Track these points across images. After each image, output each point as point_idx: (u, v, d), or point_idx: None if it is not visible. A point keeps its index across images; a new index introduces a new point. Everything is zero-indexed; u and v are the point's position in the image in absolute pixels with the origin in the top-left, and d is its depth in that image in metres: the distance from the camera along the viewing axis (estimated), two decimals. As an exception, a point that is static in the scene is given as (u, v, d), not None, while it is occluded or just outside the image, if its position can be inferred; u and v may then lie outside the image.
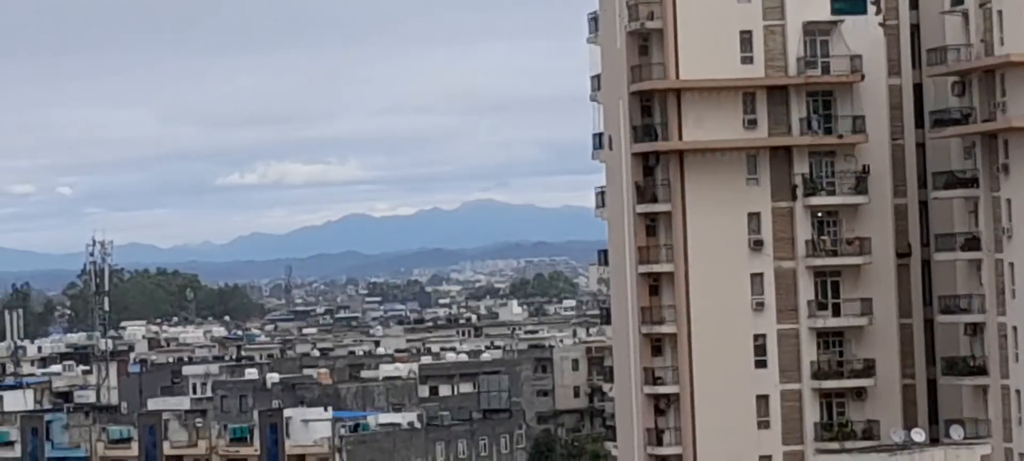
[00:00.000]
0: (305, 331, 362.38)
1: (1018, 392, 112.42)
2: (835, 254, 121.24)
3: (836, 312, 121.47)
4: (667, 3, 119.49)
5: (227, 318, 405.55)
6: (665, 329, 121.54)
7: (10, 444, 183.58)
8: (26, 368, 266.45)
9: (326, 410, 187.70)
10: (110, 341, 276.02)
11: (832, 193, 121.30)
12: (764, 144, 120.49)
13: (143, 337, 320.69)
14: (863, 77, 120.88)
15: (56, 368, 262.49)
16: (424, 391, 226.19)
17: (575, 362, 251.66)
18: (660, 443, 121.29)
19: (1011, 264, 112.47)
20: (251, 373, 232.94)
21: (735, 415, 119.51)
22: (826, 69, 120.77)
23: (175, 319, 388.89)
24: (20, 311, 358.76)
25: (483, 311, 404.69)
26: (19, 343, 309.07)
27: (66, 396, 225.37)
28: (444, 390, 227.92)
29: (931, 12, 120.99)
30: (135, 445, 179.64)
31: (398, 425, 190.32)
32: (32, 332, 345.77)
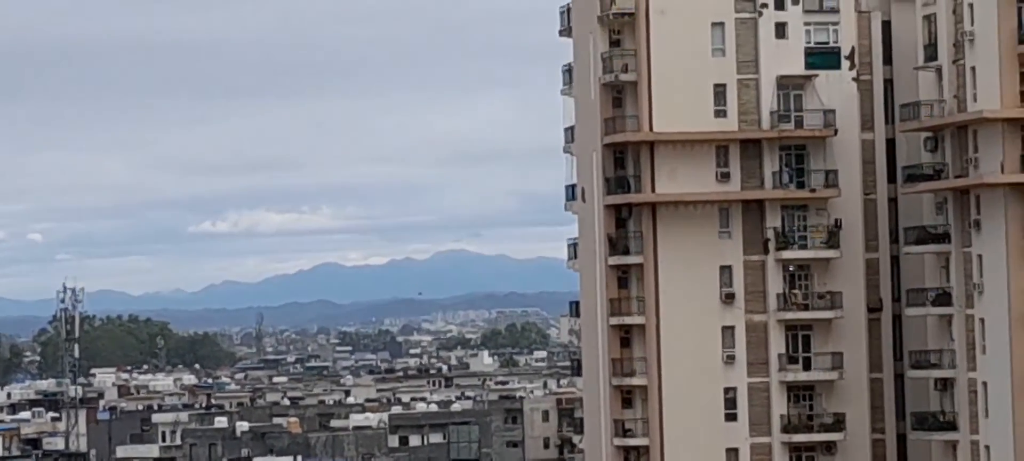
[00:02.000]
0: (275, 380, 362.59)
1: (987, 448, 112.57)
2: (806, 308, 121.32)
3: (806, 366, 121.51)
4: (641, 56, 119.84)
5: (197, 366, 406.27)
6: (636, 381, 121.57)
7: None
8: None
9: (296, 459, 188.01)
10: (80, 388, 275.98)
11: (804, 247, 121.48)
12: (737, 197, 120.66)
13: (113, 384, 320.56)
14: (836, 132, 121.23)
15: (25, 415, 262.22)
16: (394, 441, 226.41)
17: (545, 413, 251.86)
18: None
19: (982, 320, 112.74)
20: (221, 421, 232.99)
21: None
22: (799, 123, 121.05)
23: (145, 367, 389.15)
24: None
25: (454, 361, 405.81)
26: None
27: (35, 443, 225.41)
28: (414, 440, 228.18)
29: (905, 68, 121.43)
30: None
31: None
32: (1, 379, 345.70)
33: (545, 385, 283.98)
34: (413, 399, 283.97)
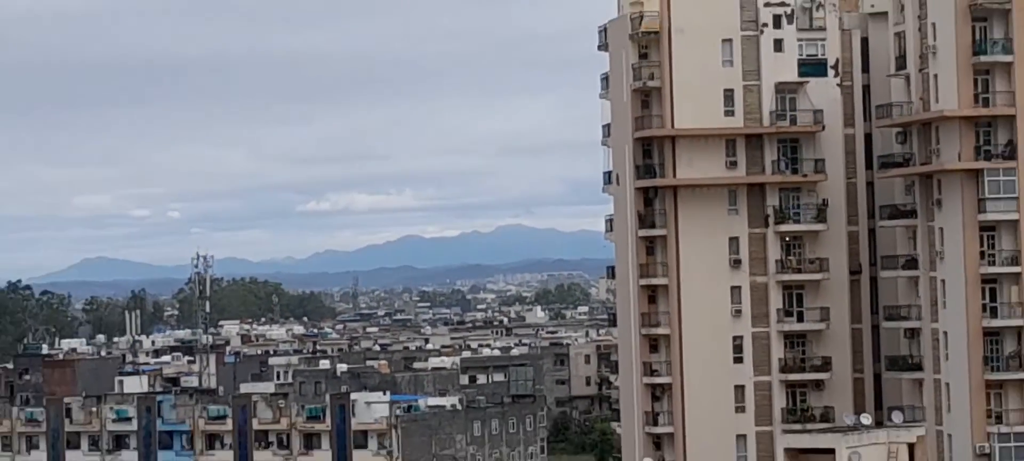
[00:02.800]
0: (368, 330, 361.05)
1: (947, 385, 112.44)
2: (799, 271, 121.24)
3: (800, 318, 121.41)
4: (664, 66, 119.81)
5: (305, 319, 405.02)
6: (660, 331, 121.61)
7: (128, 419, 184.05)
8: (142, 358, 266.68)
9: (385, 394, 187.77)
10: (210, 337, 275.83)
11: (797, 221, 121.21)
12: (742, 181, 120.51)
13: (237, 334, 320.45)
14: (823, 127, 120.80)
15: (166, 358, 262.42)
16: (464, 380, 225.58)
17: (587, 357, 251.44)
18: (656, 424, 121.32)
19: (943, 280, 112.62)
20: (324, 364, 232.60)
21: (717, 402, 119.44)
22: (793, 121, 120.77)
23: (263, 319, 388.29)
24: (137, 312, 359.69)
25: (512, 315, 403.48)
26: (136, 338, 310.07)
27: (174, 381, 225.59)
28: (481, 379, 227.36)
29: (879, 75, 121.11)
30: (229, 421, 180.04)
31: (443, 407, 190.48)
32: (147, 329, 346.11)
33: (587, 334, 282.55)
34: (480, 345, 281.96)
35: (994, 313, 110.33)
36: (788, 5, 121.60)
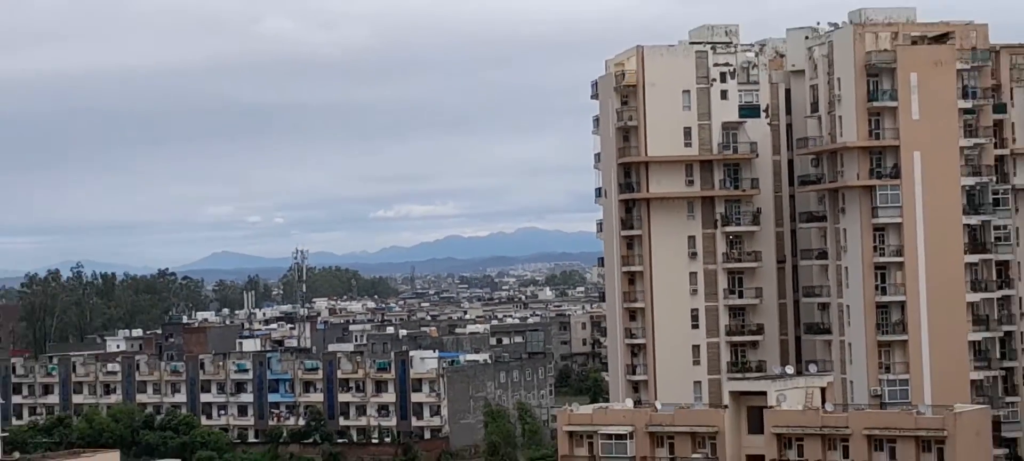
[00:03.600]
0: (422, 305, 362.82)
1: (850, 344, 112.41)
2: (740, 261, 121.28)
3: (740, 296, 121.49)
4: (640, 110, 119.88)
5: (375, 297, 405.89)
6: (638, 305, 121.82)
7: (246, 371, 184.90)
8: (256, 326, 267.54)
9: (434, 352, 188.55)
10: (306, 310, 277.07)
11: (738, 224, 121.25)
12: (697, 195, 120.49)
13: (325, 308, 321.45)
14: (757, 155, 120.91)
15: (273, 326, 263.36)
16: (492, 341, 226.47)
17: (584, 324, 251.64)
18: (634, 373, 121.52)
19: (846, 267, 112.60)
20: (389, 329, 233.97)
21: (679, 357, 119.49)
22: (735, 150, 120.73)
23: (345, 297, 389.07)
24: (252, 292, 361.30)
25: (528, 294, 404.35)
26: (252, 311, 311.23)
27: (279, 342, 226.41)
28: (505, 341, 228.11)
29: (799, 116, 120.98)
30: (320, 372, 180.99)
31: (477, 361, 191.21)
32: (259, 305, 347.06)
33: (583, 308, 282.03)
34: (504, 316, 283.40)
35: (883, 292, 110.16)
36: (731, 65, 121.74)
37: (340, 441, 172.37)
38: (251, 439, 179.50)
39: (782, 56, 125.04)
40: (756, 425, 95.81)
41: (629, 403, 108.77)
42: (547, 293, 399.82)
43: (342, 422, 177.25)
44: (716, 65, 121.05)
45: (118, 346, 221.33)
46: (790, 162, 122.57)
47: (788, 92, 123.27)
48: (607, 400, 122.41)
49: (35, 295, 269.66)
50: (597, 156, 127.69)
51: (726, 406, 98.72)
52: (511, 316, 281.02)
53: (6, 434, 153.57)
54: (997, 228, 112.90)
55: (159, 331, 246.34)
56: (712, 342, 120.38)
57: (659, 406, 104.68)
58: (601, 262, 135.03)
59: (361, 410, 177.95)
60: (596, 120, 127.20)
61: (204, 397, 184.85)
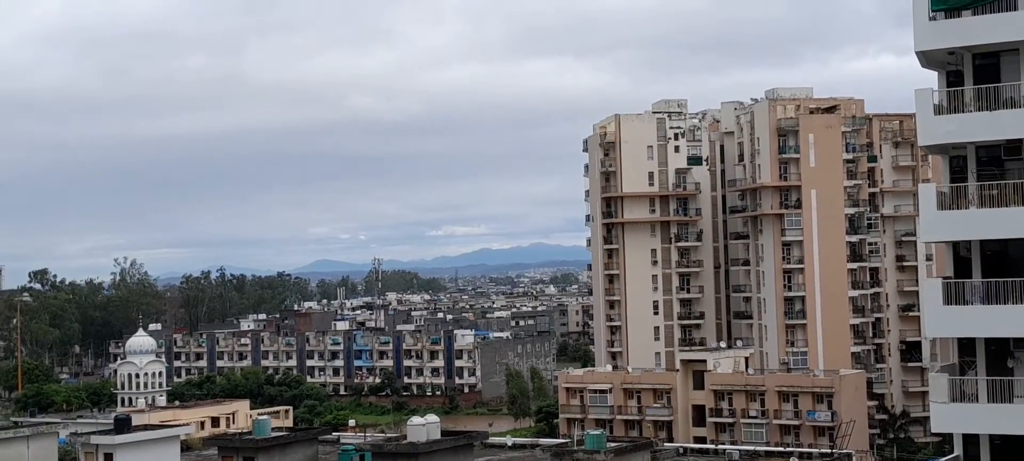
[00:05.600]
0: (463, 298, 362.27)
1: (765, 326, 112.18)
2: (688, 267, 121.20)
3: (688, 292, 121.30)
4: (617, 160, 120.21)
5: (430, 292, 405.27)
6: (615, 298, 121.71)
7: (338, 344, 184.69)
8: (346, 312, 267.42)
9: (471, 331, 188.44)
10: (381, 300, 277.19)
11: (687, 241, 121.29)
12: (658, 220, 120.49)
13: (394, 299, 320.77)
14: (700, 191, 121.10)
15: (358, 312, 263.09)
16: (513, 323, 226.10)
17: (577, 311, 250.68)
18: (613, 346, 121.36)
19: (763, 272, 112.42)
20: (440, 315, 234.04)
21: (645, 335, 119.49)
22: (684, 188, 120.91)
23: (408, 292, 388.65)
24: (343, 288, 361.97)
25: (538, 290, 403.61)
26: (343, 301, 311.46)
27: (362, 323, 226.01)
28: (521, 323, 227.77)
29: (730, 164, 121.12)
30: (391, 345, 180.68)
31: (502, 337, 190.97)
32: (348, 297, 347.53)
33: (577, 300, 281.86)
34: (521, 305, 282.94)
35: (789, 289, 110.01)
36: (681, 128, 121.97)
37: (404, 394, 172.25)
38: (341, 392, 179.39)
39: (718, 121, 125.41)
40: (699, 383, 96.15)
41: (609, 368, 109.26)
42: (551, 289, 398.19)
43: (406, 380, 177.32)
44: (671, 128, 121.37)
45: (248, 326, 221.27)
46: (724, 197, 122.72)
47: (722, 147, 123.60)
48: (594, 365, 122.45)
49: (190, 289, 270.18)
50: (586, 192, 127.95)
51: (678, 370, 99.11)
52: (526, 306, 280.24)
53: (170, 388, 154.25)
54: (870, 244, 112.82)
55: (277, 315, 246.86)
56: (668, 324, 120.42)
57: (630, 370, 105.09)
58: (590, 267, 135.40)
59: (419, 372, 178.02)
60: (585, 167, 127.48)
61: (309, 362, 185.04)
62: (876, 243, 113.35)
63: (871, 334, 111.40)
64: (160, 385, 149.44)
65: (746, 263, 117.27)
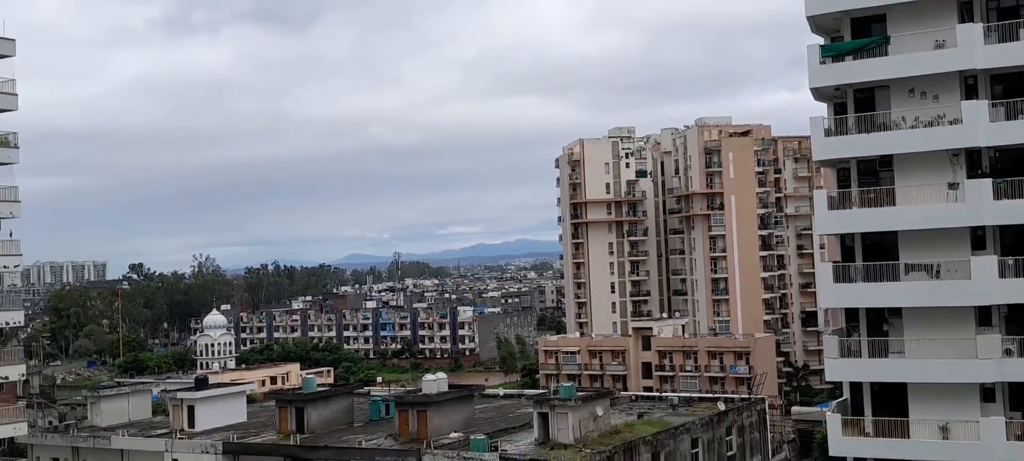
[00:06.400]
0: (463, 282, 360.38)
1: (697, 301, 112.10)
2: (637, 256, 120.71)
3: (637, 275, 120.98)
4: (582, 173, 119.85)
5: (437, 278, 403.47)
6: (582, 281, 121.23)
7: (368, 319, 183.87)
8: (373, 294, 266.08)
9: (471, 308, 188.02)
10: (401, 284, 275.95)
11: (636, 236, 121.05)
12: (613, 220, 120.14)
13: (411, 284, 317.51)
14: (646, 198, 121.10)
15: (383, 294, 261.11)
16: (503, 301, 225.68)
17: (553, 291, 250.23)
18: (580, 318, 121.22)
19: (695, 259, 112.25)
20: (447, 295, 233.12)
21: (605, 309, 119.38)
22: (634, 195, 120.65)
23: (421, 278, 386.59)
24: (371, 276, 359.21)
25: (522, 275, 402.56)
26: (371, 287, 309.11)
27: (386, 303, 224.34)
28: (510, 301, 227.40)
29: (668, 176, 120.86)
30: (409, 319, 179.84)
31: (495, 312, 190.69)
32: (375, 283, 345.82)
33: (553, 283, 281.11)
34: (509, 287, 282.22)
35: (715, 272, 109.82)
36: (631, 149, 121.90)
37: (419, 356, 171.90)
38: (370, 356, 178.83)
39: (659, 143, 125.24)
40: (647, 346, 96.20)
41: (577, 334, 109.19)
42: (532, 275, 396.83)
43: (420, 346, 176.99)
44: (623, 149, 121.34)
45: (298, 306, 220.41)
46: (664, 201, 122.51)
47: (662, 163, 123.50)
48: (566, 333, 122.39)
49: (252, 278, 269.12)
50: (558, 199, 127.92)
51: (630, 336, 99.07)
52: (512, 287, 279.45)
53: (237, 355, 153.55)
54: (777, 236, 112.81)
55: (320, 297, 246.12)
56: (622, 301, 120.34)
57: (594, 336, 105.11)
58: (562, 257, 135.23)
59: (430, 339, 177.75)
60: (557, 180, 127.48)
61: (345, 333, 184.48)
62: (782, 236, 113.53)
63: (778, 306, 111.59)
64: (230, 352, 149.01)
65: (682, 252, 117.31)
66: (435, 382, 48.80)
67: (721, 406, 49.35)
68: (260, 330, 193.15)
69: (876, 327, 32.97)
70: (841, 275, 32.65)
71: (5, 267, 45.48)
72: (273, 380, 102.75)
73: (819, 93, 33.80)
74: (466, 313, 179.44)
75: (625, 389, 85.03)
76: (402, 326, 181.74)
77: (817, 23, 33.88)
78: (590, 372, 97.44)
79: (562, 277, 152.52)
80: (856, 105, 33.03)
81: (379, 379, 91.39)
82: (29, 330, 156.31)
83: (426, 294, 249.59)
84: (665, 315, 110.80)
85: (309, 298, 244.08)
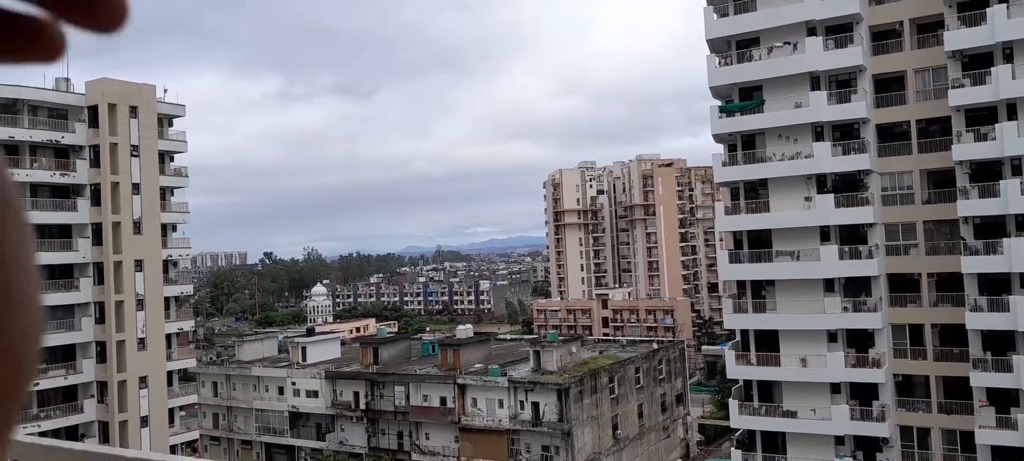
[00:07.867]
0: (482, 265, 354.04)
1: (638, 277, 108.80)
2: (598, 247, 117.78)
3: (598, 260, 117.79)
4: (562, 192, 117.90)
5: (465, 261, 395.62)
6: (562, 263, 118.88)
7: (420, 290, 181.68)
8: (424, 273, 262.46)
9: (488, 282, 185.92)
10: (441, 267, 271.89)
11: (597, 233, 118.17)
12: (582, 223, 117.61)
13: (448, 265, 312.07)
14: (603, 208, 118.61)
15: (432, 273, 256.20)
16: (509, 276, 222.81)
17: (543, 270, 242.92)
18: (561, 288, 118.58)
19: (636, 249, 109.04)
20: (472, 273, 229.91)
21: (577, 282, 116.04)
22: (595, 206, 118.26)
23: (455, 261, 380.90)
24: (422, 261, 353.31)
25: (522, 259, 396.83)
26: (422, 268, 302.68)
27: (431, 278, 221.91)
28: (514, 276, 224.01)
29: (619, 193, 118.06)
30: (447, 289, 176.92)
31: (503, 283, 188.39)
32: (424, 265, 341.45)
33: (543, 265, 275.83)
34: (513, 267, 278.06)
35: (650, 256, 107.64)
36: (592, 175, 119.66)
37: (455, 314, 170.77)
38: (421, 314, 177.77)
39: (612, 172, 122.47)
40: (605, 306, 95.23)
41: (558, 299, 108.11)
42: (528, 259, 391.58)
43: (455, 307, 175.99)
44: (588, 176, 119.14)
45: (373, 281, 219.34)
46: (616, 211, 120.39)
47: (614, 185, 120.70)
48: (551, 297, 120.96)
49: (343, 262, 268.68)
50: (545, 209, 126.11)
51: (594, 300, 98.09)
52: (515, 267, 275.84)
53: (334, 313, 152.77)
54: (691, 234, 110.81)
55: (389, 275, 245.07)
56: (588, 276, 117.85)
57: (570, 300, 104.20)
58: (548, 248, 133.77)
59: (461, 303, 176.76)
60: (544, 196, 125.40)
61: (405, 299, 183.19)
62: (694, 233, 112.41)
63: (693, 279, 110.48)
64: (329, 312, 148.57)
65: (627, 244, 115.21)
66: (465, 331, 48.95)
67: (654, 346, 49.34)
68: (349, 297, 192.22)
69: (757, 293, 33.25)
70: (734, 259, 32.95)
71: (180, 256, 46.58)
72: (357, 330, 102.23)
73: (718, 138, 34.28)
74: (485, 285, 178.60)
75: (590, 335, 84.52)
76: (442, 293, 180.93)
77: (716, 91, 34.19)
78: (568, 324, 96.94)
79: (548, 261, 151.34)
80: (743, 145, 33.36)
81: (427, 329, 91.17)
82: (195, 297, 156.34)
83: (458, 272, 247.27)
84: (617, 286, 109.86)
85: (380, 275, 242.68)
